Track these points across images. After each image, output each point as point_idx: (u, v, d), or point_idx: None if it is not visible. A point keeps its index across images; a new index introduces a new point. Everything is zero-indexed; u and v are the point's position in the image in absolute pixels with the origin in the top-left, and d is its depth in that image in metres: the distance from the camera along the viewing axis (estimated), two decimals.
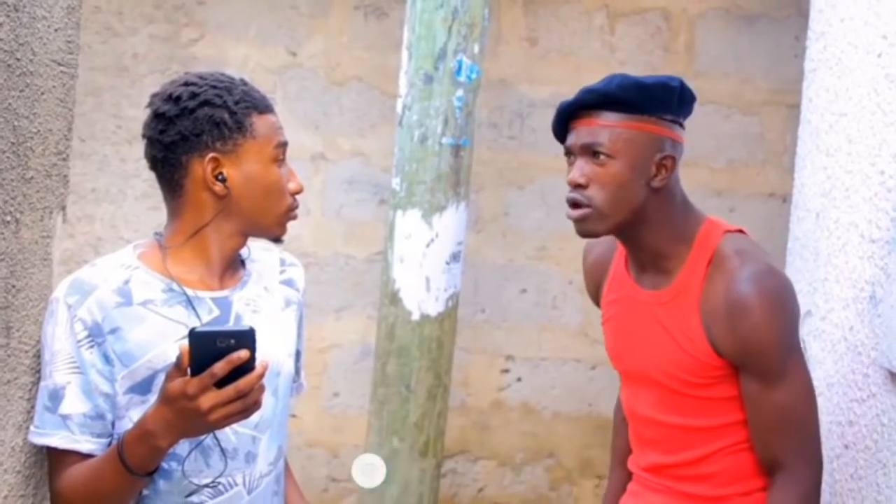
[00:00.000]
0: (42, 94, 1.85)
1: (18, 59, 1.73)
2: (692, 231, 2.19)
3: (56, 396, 1.84)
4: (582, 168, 2.15)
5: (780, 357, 2.09)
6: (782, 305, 2.10)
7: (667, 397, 2.23)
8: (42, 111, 1.86)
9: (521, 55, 4.81)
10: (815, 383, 2.54)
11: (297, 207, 1.98)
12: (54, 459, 1.87)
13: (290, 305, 2.09)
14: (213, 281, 1.95)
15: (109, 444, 1.87)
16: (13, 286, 1.79)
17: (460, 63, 3.64)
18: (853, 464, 2.32)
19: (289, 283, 2.11)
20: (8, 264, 1.76)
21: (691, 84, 2.31)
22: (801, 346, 2.18)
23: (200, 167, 1.89)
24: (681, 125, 2.21)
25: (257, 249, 2.10)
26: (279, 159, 1.93)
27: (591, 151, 2.14)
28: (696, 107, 2.31)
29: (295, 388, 2.17)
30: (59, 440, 1.84)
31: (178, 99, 1.90)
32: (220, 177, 1.89)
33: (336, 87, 4.79)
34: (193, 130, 1.88)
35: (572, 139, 2.18)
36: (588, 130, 2.15)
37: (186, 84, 1.92)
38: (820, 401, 2.50)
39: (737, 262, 2.11)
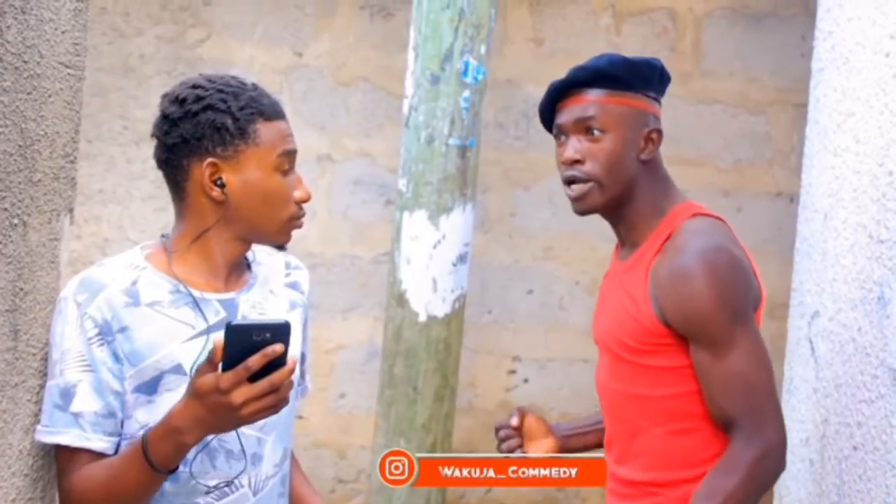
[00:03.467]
0: (49, 96, 1.85)
1: (26, 62, 1.73)
2: (667, 208, 2.24)
3: (67, 394, 1.84)
4: (575, 145, 2.23)
5: (724, 326, 2.10)
6: (723, 276, 2.11)
7: (614, 363, 2.29)
8: (49, 114, 1.86)
9: (527, 55, 4.81)
10: (823, 384, 2.54)
11: (302, 216, 1.96)
12: (64, 458, 1.86)
13: (295, 308, 2.09)
14: (218, 283, 1.96)
15: (118, 443, 1.87)
16: (21, 289, 1.79)
17: (467, 64, 3.64)
18: (862, 465, 2.31)
19: (294, 286, 2.11)
20: (15, 267, 1.76)
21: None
22: (748, 317, 2.16)
23: (200, 171, 1.88)
24: (659, 103, 2.29)
25: (262, 252, 2.10)
26: (284, 168, 1.91)
27: (583, 127, 2.22)
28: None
29: (300, 390, 2.17)
30: (70, 438, 1.83)
31: (183, 101, 1.90)
32: (218, 182, 1.88)
33: (342, 87, 4.79)
34: (195, 134, 1.88)
35: (563, 117, 2.26)
36: (580, 107, 2.23)
37: (194, 87, 1.91)
38: (828, 402, 2.49)
39: (688, 236, 2.15)
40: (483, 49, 3.68)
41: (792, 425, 2.72)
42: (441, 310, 3.69)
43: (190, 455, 1.86)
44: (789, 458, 2.72)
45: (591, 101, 2.23)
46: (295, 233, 2.00)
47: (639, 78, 2.23)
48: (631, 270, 2.25)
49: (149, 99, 4.63)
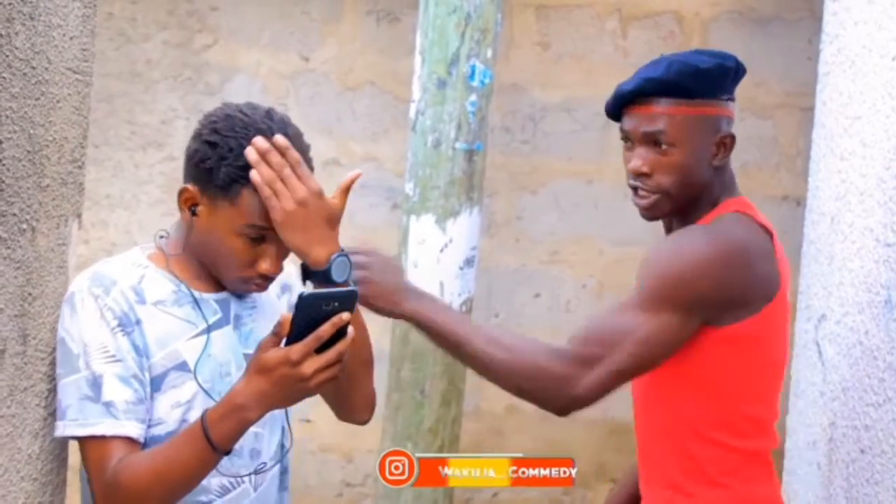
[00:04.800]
0: (57, 102, 1.86)
1: (34, 68, 1.74)
2: (718, 201, 2.21)
3: (96, 385, 1.84)
4: (644, 156, 2.15)
5: (651, 287, 2.05)
6: (692, 257, 2.06)
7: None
8: (57, 119, 1.86)
9: (533, 60, 4.81)
10: (830, 387, 2.54)
11: (261, 283, 1.95)
12: (98, 451, 1.84)
13: (285, 293, 2.12)
14: (210, 283, 1.98)
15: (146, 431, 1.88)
16: (29, 294, 1.80)
17: (473, 68, 3.64)
18: (869, 468, 2.31)
19: (285, 287, 2.14)
20: (24, 272, 1.77)
21: None
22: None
23: (187, 189, 1.91)
24: (733, 101, 2.23)
25: None
26: (249, 236, 1.89)
27: (651, 140, 2.14)
28: None
29: None
30: (105, 427, 1.83)
31: (208, 123, 1.90)
32: (192, 209, 1.90)
33: (349, 92, 4.80)
34: (192, 158, 1.90)
35: (630, 125, 2.18)
36: (647, 117, 2.15)
37: (230, 117, 1.89)
38: (835, 405, 2.49)
39: (716, 224, 2.13)
40: (489, 53, 3.68)
41: (799, 428, 2.72)
42: None
43: None
44: (796, 461, 2.73)
45: (658, 113, 2.14)
46: None
47: (710, 85, 2.16)
48: None
49: (155, 104, 4.64)
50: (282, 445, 2.05)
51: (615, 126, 2.29)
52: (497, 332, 2.12)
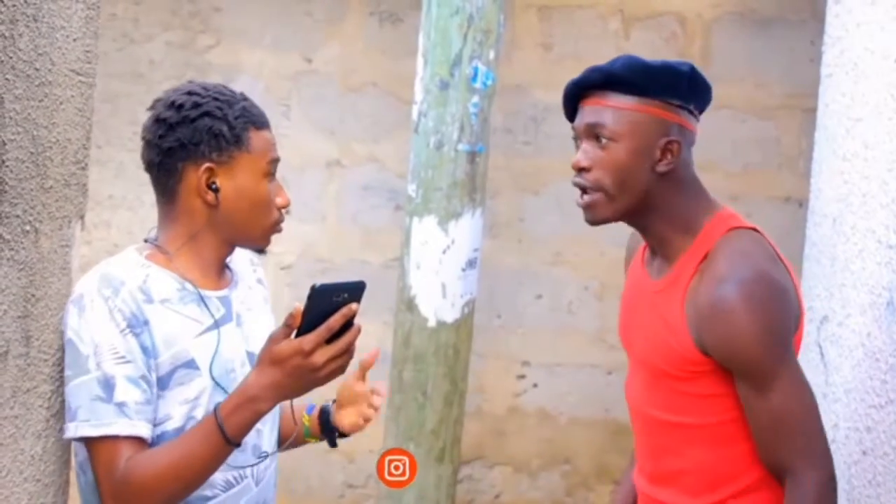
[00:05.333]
0: (61, 103, 1.86)
1: (37, 69, 1.74)
2: (699, 222, 2.11)
3: (108, 385, 1.85)
4: (585, 151, 2.11)
5: (768, 364, 2.00)
6: (765, 310, 2.00)
7: (651, 385, 2.18)
8: (61, 121, 1.87)
9: (535, 61, 4.81)
10: (833, 389, 2.54)
11: (282, 221, 2.04)
12: (109, 451, 1.86)
13: (267, 303, 2.18)
14: (212, 281, 2.02)
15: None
16: (32, 295, 1.80)
17: (476, 69, 3.64)
18: (871, 470, 2.31)
19: (260, 281, 2.19)
20: (27, 273, 1.77)
21: None
22: (791, 349, 2.06)
23: (195, 175, 1.95)
24: (692, 112, 2.15)
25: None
26: (270, 174, 1.99)
27: (594, 134, 2.10)
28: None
29: None
30: (119, 427, 1.84)
31: (180, 107, 1.95)
32: (212, 186, 1.95)
33: (351, 93, 4.80)
34: (192, 139, 1.93)
35: (578, 120, 2.14)
36: (593, 111, 2.11)
37: (190, 93, 1.97)
38: (837, 407, 2.49)
39: (728, 263, 2.03)
40: (492, 54, 3.68)
41: None
42: (450, 315, 3.70)
43: None
44: None
45: (604, 106, 2.10)
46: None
47: (658, 84, 2.09)
48: (665, 293, 2.13)
49: None
50: (276, 436, 2.11)
51: None
52: None
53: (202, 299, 1.97)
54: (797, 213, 4.75)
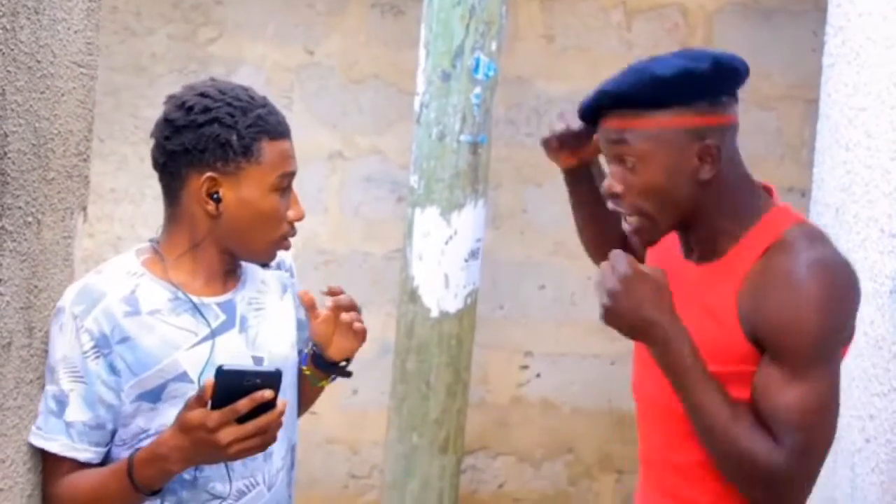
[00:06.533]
0: (62, 95, 1.86)
1: (39, 62, 1.75)
2: (756, 215, 1.94)
3: (61, 402, 1.85)
4: (615, 175, 1.93)
5: (812, 352, 1.83)
6: (840, 303, 1.85)
7: None
8: (62, 113, 1.87)
9: (538, 52, 4.81)
10: None
11: (292, 235, 1.96)
12: (51, 463, 1.88)
13: (287, 290, 2.10)
14: (216, 286, 1.96)
15: (107, 452, 1.89)
16: (35, 286, 1.80)
17: (478, 60, 3.64)
18: (874, 458, 2.31)
19: (279, 265, 2.10)
20: (30, 265, 1.77)
21: None
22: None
23: (197, 182, 1.87)
24: (725, 104, 1.98)
25: None
26: (281, 187, 1.90)
27: (618, 157, 1.92)
28: None
29: (302, 359, 2.11)
30: (59, 446, 1.85)
31: (189, 109, 1.87)
32: (214, 196, 1.87)
33: (353, 85, 4.80)
34: (197, 145, 1.85)
35: (600, 139, 1.97)
36: (611, 132, 1.93)
37: (203, 95, 1.89)
38: (840, 395, 2.50)
39: (807, 243, 1.87)
40: (494, 46, 3.68)
41: None
42: (453, 305, 3.70)
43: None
44: None
45: (621, 127, 1.90)
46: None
47: (676, 92, 1.89)
48: (712, 282, 1.95)
49: (160, 98, 4.59)
50: (291, 444, 2.05)
51: None
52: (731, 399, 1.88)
53: (197, 308, 1.91)
54: (800, 202, 4.74)
